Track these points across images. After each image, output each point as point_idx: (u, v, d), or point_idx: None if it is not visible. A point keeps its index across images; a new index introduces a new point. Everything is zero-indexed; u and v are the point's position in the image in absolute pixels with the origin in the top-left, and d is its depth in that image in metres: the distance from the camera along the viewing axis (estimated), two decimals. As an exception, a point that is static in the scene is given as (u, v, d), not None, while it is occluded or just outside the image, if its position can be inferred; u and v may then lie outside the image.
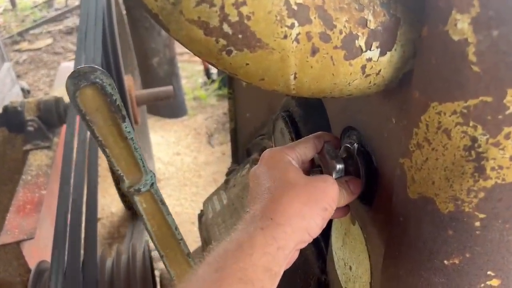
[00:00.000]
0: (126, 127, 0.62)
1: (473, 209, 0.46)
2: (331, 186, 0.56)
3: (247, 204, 0.57)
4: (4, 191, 2.16)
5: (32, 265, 1.51)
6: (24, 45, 5.88)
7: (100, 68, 0.57)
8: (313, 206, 0.53)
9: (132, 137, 0.63)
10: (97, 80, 0.57)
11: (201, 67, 4.72)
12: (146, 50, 3.77)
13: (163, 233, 0.75)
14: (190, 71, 4.90)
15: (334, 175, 0.61)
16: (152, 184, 0.69)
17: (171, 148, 3.76)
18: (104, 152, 0.63)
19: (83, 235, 1.28)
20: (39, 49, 5.73)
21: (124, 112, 0.61)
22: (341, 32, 0.45)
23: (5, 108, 2.17)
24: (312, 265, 0.93)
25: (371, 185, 0.63)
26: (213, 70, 4.58)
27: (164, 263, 0.78)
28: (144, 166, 0.67)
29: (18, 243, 1.55)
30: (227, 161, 3.42)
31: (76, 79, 0.56)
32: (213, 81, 4.53)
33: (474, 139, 0.43)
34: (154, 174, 0.69)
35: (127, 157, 0.65)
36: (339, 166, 0.61)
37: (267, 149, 0.61)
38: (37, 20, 6.48)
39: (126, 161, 0.66)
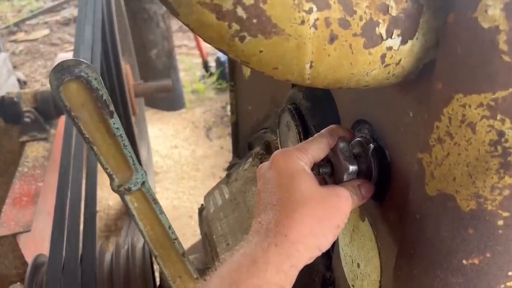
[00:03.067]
0: (114, 123, 0.59)
1: (497, 207, 0.44)
2: (345, 202, 0.55)
3: (256, 211, 0.56)
4: (0, 183, 2.13)
5: (28, 257, 1.49)
6: (21, 35, 5.82)
7: (86, 62, 0.55)
8: (326, 224, 0.53)
9: (121, 134, 0.60)
10: (82, 74, 0.54)
11: (199, 60, 4.68)
12: (144, 42, 3.73)
13: (156, 233, 0.73)
14: (188, 64, 4.85)
15: (345, 177, 0.59)
16: (143, 183, 0.66)
17: (169, 141, 3.73)
18: (91, 149, 0.61)
19: (81, 228, 1.26)
20: (35, 40, 5.67)
21: (112, 108, 0.58)
22: (361, 19, 0.43)
23: (1, 99, 2.13)
24: (317, 261, 0.91)
25: (384, 181, 0.60)
26: (212, 63, 4.54)
27: (158, 263, 0.76)
28: (134, 164, 0.64)
29: (14, 236, 1.53)
30: (226, 155, 3.40)
31: (59, 73, 0.53)
32: (211, 74, 4.49)
33: (501, 134, 0.41)
34: (145, 172, 0.67)
35: (116, 154, 0.63)
36: (352, 168, 0.59)
37: (278, 150, 0.59)
38: (33, 10, 6.41)
39: (115, 158, 0.63)
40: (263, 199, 0.56)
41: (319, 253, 0.54)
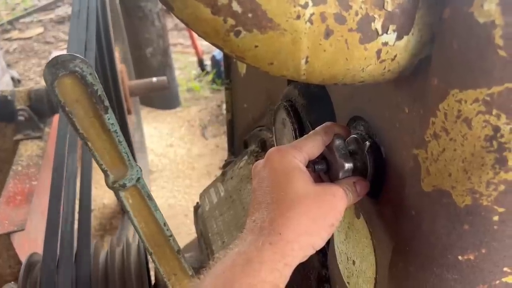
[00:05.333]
0: (109, 119, 0.59)
1: (492, 203, 0.44)
2: (340, 201, 0.55)
3: (250, 209, 0.56)
4: (-6, 182, 2.11)
5: (23, 256, 1.48)
6: (15, 33, 5.78)
7: (81, 57, 0.54)
8: (321, 222, 0.53)
9: (116, 130, 0.60)
10: (77, 69, 0.54)
11: (194, 58, 4.67)
12: (139, 40, 3.72)
13: (151, 230, 0.72)
14: (184, 62, 4.84)
15: (341, 174, 0.59)
16: (138, 179, 0.66)
17: (164, 140, 3.72)
18: (86, 145, 0.60)
19: (76, 227, 1.25)
20: (29, 38, 5.64)
21: (107, 103, 0.57)
22: (357, 14, 0.42)
23: (-5, 98, 2.12)
24: (312, 259, 0.91)
25: (379, 177, 0.60)
26: (207, 62, 4.53)
27: (153, 260, 0.76)
28: (129, 160, 0.64)
29: (8, 235, 1.52)
30: (221, 154, 3.39)
31: (54, 68, 0.53)
32: (207, 72, 4.48)
33: (496, 129, 0.41)
34: (140, 168, 0.66)
35: (111, 150, 0.62)
36: (348, 166, 0.59)
37: (273, 148, 0.58)
38: (27, 8, 6.37)
39: (110, 154, 0.63)
40: (258, 197, 0.56)
41: (313, 252, 0.54)
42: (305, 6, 0.40)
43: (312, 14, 0.41)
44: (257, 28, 0.40)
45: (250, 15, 0.39)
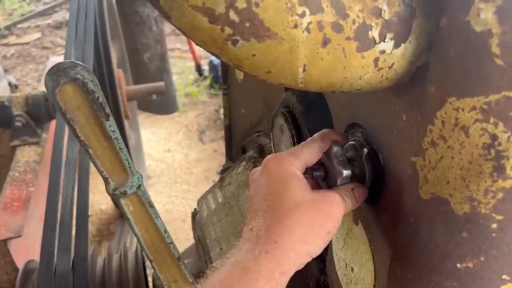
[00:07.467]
0: (110, 126, 0.59)
1: (490, 211, 0.44)
2: (337, 208, 0.55)
3: (247, 217, 0.56)
4: (-9, 188, 2.10)
5: (19, 263, 1.47)
6: (12, 39, 5.78)
7: (82, 64, 0.54)
8: (318, 230, 0.53)
9: (116, 137, 0.60)
10: (78, 76, 0.54)
11: (192, 63, 4.67)
12: (137, 46, 3.72)
13: (151, 237, 0.72)
14: (181, 67, 4.85)
15: (339, 181, 0.59)
16: (139, 186, 0.66)
17: (161, 145, 3.72)
18: (86, 152, 0.60)
19: (73, 233, 1.25)
20: (27, 43, 5.64)
21: (108, 110, 0.58)
22: (354, 22, 0.42)
23: (-8, 103, 2.11)
24: (311, 265, 0.91)
25: (377, 184, 0.60)
26: (205, 67, 4.54)
27: (153, 267, 0.76)
28: (130, 167, 0.63)
29: (5, 241, 1.51)
30: (219, 159, 3.39)
31: (55, 75, 0.53)
32: (205, 77, 4.49)
33: (494, 137, 0.41)
34: (141, 175, 0.66)
35: (112, 157, 0.62)
36: (346, 173, 0.59)
37: (270, 155, 0.58)
38: (25, 14, 6.37)
39: (111, 161, 0.63)
40: (255, 205, 0.55)
41: (309, 259, 0.54)
42: (303, 15, 0.40)
43: (309, 23, 0.41)
44: (254, 37, 0.40)
45: (247, 24, 0.39)
